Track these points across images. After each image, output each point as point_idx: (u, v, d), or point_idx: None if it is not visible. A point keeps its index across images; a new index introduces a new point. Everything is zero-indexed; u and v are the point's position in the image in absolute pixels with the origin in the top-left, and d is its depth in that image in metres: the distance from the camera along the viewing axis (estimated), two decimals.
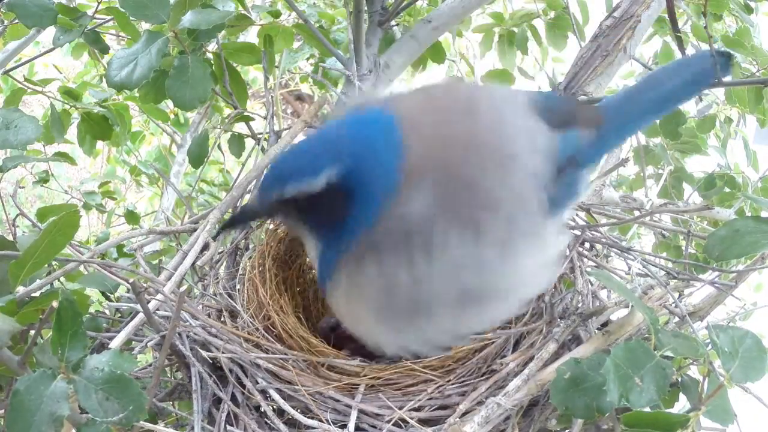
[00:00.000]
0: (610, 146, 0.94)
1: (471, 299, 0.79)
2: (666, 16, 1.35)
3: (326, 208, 0.79)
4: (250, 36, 2.06)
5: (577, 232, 1.05)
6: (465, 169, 0.78)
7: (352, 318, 0.86)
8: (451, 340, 0.86)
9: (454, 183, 0.77)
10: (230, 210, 1.13)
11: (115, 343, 0.86)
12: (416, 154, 0.77)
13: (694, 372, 0.87)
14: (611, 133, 0.88)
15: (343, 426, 0.85)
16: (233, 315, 1.01)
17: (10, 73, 1.79)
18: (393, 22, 1.43)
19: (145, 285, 0.95)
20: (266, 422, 0.89)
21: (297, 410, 0.87)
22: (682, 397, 0.88)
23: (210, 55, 1.23)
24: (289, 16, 1.68)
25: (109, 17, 1.35)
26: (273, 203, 0.81)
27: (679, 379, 0.86)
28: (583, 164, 0.86)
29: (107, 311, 1.08)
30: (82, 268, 1.05)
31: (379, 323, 0.82)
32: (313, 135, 0.84)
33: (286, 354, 0.92)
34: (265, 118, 1.30)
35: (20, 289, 0.79)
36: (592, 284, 1.02)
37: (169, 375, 1.06)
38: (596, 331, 0.93)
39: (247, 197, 1.14)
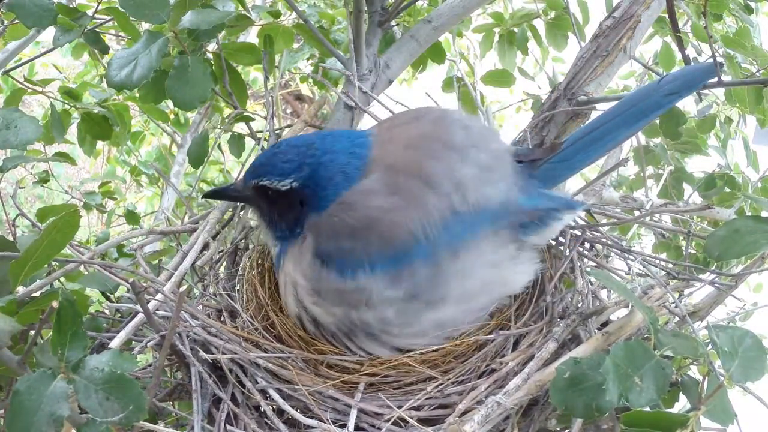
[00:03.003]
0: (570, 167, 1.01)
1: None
2: (666, 16, 1.35)
3: (286, 205, 0.95)
4: (250, 36, 2.06)
5: (577, 232, 1.05)
6: (410, 158, 0.92)
7: (291, 297, 0.95)
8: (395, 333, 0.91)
9: (401, 169, 0.91)
10: (230, 210, 1.13)
11: (115, 343, 0.86)
12: (377, 156, 0.94)
13: (694, 372, 0.87)
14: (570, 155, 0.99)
15: (343, 425, 0.85)
16: (233, 315, 1.01)
17: (10, 73, 1.79)
18: (393, 22, 1.43)
19: (145, 285, 0.95)
20: (266, 422, 0.89)
21: (297, 410, 0.87)
22: (682, 397, 0.88)
23: (210, 55, 1.23)
24: (289, 16, 1.68)
25: (109, 17, 1.35)
26: (251, 188, 0.96)
27: (679, 379, 0.86)
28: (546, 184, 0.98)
29: (107, 311, 1.08)
30: (82, 268, 1.05)
31: (314, 303, 0.92)
32: (294, 139, 0.99)
33: (285, 352, 0.92)
34: (265, 118, 1.30)
35: (20, 289, 0.79)
36: (592, 284, 1.02)
37: (169, 375, 1.06)
38: (596, 330, 0.92)
39: None
